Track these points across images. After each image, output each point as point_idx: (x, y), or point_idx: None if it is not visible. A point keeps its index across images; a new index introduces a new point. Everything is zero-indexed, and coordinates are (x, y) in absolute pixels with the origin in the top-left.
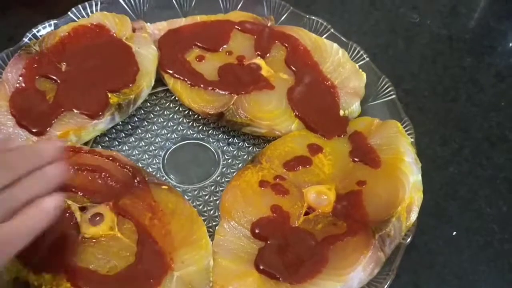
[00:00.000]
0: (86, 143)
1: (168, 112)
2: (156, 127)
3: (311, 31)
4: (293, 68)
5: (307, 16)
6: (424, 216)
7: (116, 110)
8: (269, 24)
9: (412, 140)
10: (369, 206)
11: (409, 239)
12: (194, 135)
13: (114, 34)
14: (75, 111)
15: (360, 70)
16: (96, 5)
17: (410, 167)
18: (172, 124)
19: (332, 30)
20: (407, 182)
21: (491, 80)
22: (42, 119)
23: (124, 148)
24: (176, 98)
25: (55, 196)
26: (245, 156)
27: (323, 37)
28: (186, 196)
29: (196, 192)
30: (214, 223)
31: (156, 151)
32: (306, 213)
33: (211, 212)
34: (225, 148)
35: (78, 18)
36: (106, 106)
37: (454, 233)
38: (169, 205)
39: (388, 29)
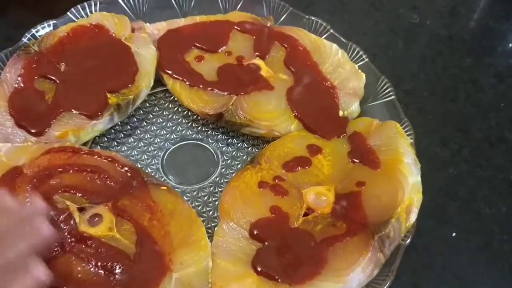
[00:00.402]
0: (85, 144)
1: (167, 113)
2: (155, 128)
3: (310, 31)
4: (292, 69)
5: (307, 17)
6: (423, 217)
7: (115, 111)
8: (268, 25)
9: (412, 141)
10: (368, 207)
11: (408, 240)
12: (193, 136)
13: (113, 34)
14: (74, 111)
15: (360, 71)
16: (95, 5)
17: (409, 168)
18: (171, 124)
19: (331, 30)
20: (406, 183)
21: (490, 80)
22: (41, 120)
23: (123, 149)
24: (175, 99)
25: (43, 266)
26: (244, 157)
27: (322, 37)
28: (185, 197)
29: (195, 193)
30: (213, 224)
31: (155, 152)
32: (306, 214)
33: (210, 213)
34: (224, 148)
35: (77, 18)
36: (105, 107)
37: (454, 234)
38: (168, 206)
39: (387, 30)
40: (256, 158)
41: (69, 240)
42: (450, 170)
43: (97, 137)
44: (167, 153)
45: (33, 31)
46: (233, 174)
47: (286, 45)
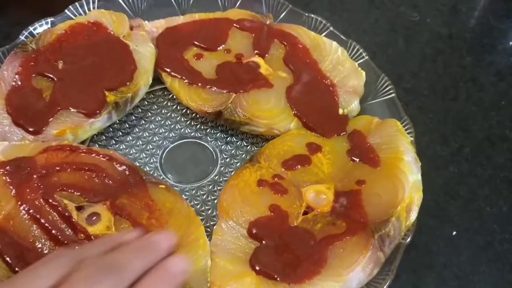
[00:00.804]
0: (83, 142)
1: (165, 111)
2: (153, 126)
3: (310, 29)
4: (292, 67)
5: (306, 14)
6: (424, 215)
7: (113, 109)
8: (267, 22)
9: (412, 139)
10: (368, 205)
11: (408, 239)
12: (192, 134)
13: (112, 32)
14: (72, 109)
15: (360, 69)
16: (94, 2)
17: (409, 167)
18: (169, 122)
19: (331, 28)
20: (406, 182)
21: (491, 79)
22: (38, 118)
23: (121, 147)
24: (174, 97)
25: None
26: (243, 155)
27: (322, 35)
28: (183, 196)
29: (194, 192)
30: (212, 223)
31: (154, 150)
32: (305, 213)
33: (209, 211)
34: (223, 147)
35: (75, 15)
36: (103, 105)
37: (454, 233)
38: (166, 205)
39: (388, 28)
40: (255, 156)
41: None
42: (451, 169)
43: (95, 136)
44: (166, 151)
45: (31, 28)
46: (232, 173)
47: (285, 43)
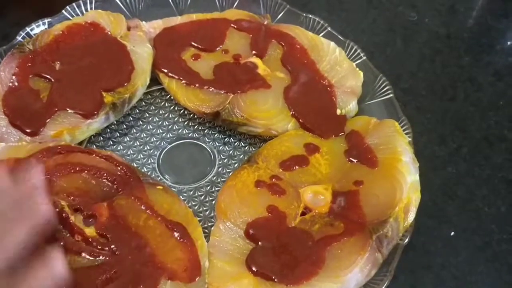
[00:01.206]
0: (80, 143)
1: (163, 111)
2: (151, 127)
3: (308, 29)
4: (290, 67)
5: (304, 15)
6: (421, 216)
7: (110, 110)
8: (265, 23)
9: (410, 139)
10: (366, 206)
11: (406, 240)
12: (190, 135)
13: (109, 33)
14: (69, 110)
15: (357, 69)
16: (91, 3)
17: (407, 167)
18: (167, 123)
19: (329, 28)
20: (404, 182)
21: (489, 79)
22: (35, 119)
23: (118, 148)
24: (172, 97)
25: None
26: (241, 156)
27: (320, 35)
28: (181, 197)
29: (191, 193)
30: (209, 224)
31: (151, 151)
32: (303, 214)
33: (207, 212)
34: (221, 147)
35: (72, 16)
36: (101, 106)
37: (452, 233)
38: (164, 206)
39: (386, 28)
40: (253, 157)
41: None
42: (449, 169)
43: (92, 136)
44: (163, 152)
45: (28, 29)
46: (230, 174)
47: (283, 43)
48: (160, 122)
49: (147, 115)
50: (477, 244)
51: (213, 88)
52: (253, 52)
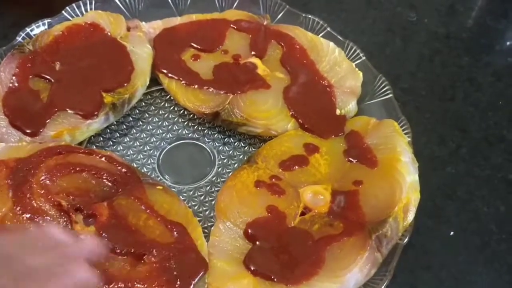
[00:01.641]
0: (80, 143)
1: (163, 112)
2: (151, 127)
3: (307, 30)
4: (289, 68)
5: (303, 15)
6: (421, 216)
7: (110, 110)
8: (265, 23)
9: (409, 139)
10: (365, 206)
11: (406, 240)
12: (190, 135)
13: (109, 33)
14: (69, 111)
15: (357, 69)
16: (91, 3)
17: (407, 167)
18: (167, 123)
19: (328, 28)
20: (404, 182)
21: (488, 79)
22: (35, 119)
23: (118, 148)
24: (171, 98)
25: None
26: (241, 156)
27: (319, 36)
28: (181, 197)
29: (191, 193)
30: (209, 224)
31: (151, 151)
32: (302, 214)
33: (207, 212)
34: (220, 148)
35: (72, 17)
36: (101, 106)
37: (452, 233)
38: (164, 206)
39: (385, 28)
40: (253, 157)
41: None
42: (448, 169)
43: (92, 137)
44: (163, 152)
45: (28, 30)
46: (230, 174)
47: (282, 44)
48: (160, 123)
49: (147, 115)
50: (477, 244)
51: (212, 89)
52: (253, 52)
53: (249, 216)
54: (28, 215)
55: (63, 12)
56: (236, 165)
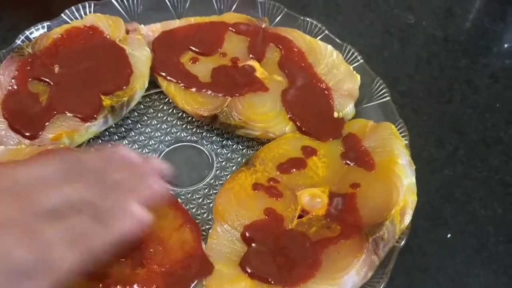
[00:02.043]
0: (79, 146)
1: (161, 115)
2: (149, 130)
3: (305, 32)
4: (287, 70)
5: (302, 18)
6: (418, 218)
7: (109, 113)
8: (263, 26)
9: (407, 142)
10: (363, 209)
11: (403, 242)
12: (188, 138)
13: (108, 36)
14: (68, 114)
15: (355, 72)
16: (90, 6)
17: (404, 170)
18: (165, 126)
19: (326, 31)
20: (401, 185)
21: (486, 81)
22: (35, 122)
23: None
24: (170, 100)
25: (145, 208)
26: (239, 159)
27: (317, 38)
28: (179, 199)
29: (189, 195)
30: (207, 227)
31: (150, 154)
32: (300, 216)
33: (205, 215)
34: (219, 150)
35: (71, 19)
36: (99, 109)
37: (449, 235)
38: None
39: (382, 30)
40: (251, 160)
41: None
42: (446, 171)
43: (91, 139)
44: (162, 155)
45: (27, 33)
46: (228, 176)
47: (280, 47)
48: (158, 125)
49: (146, 118)
50: (474, 246)
51: (211, 91)
52: (251, 55)
53: (247, 218)
54: None
55: (62, 15)
56: (234, 167)
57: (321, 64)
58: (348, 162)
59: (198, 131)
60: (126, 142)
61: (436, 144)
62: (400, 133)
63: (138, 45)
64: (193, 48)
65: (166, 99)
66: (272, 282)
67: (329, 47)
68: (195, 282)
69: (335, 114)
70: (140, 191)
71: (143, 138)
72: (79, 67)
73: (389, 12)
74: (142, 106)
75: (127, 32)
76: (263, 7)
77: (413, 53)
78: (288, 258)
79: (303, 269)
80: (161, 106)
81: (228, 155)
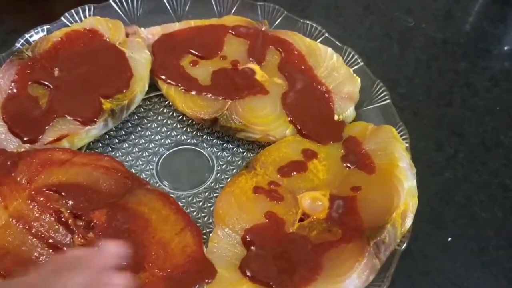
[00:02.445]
0: (79, 149)
1: (162, 118)
2: (149, 133)
3: (305, 35)
4: (287, 73)
5: (301, 21)
6: (419, 222)
7: (109, 116)
8: (263, 29)
9: (407, 145)
10: (363, 212)
11: (404, 246)
12: (188, 141)
13: (107, 39)
14: (68, 117)
15: (355, 75)
16: (89, 10)
17: (405, 173)
18: (166, 129)
19: (326, 34)
20: (401, 188)
21: (486, 84)
22: (34, 126)
23: (117, 154)
24: (170, 103)
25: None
26: (239, 162)
27: (317, 41)
28: (180, 203)
29: (190, 199)
30: (208, 230)
31: (150, 157)
32: (301, 220)
33: (205, 218)
34: (219, 153)
35: (71, 23)
36: (99, 112)
37: (449, 239)
38: (162, 212)
39: (382, 33)
40: (251, 163)
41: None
42: (446, 175)
43: (91, 143)
44: (162, 158)
45: (27, 36)
46: (228, 180)
47: (281, 50)
48: (158, 128)
49: (146, 121)
50: (474, 249)
51: (211, 94)
52: (251, 58)
53: (247, 222)
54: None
55: (62, 18)
56: (234, 171)
57: (321, 67)
58: (348, 165)
59: (198, 134)
60: (126, 145)
61: (436, 147)
62: (401, 136)
63: (138, 48)
64: (193, 51)
65: (166, 102)
66: (274, 286)
67: (329, 49)
68: (197, 286)
69: (336, 117)
70: None
71: (143, 141)
72: (79, 70)
73: (389, 15)
74: (142, 109)
75: (127, 35)
76: (263, 10)
77: (413, 56)
78: (289, 261)
79: (305, 272)
80: (161, 109)
81: (229, 158)
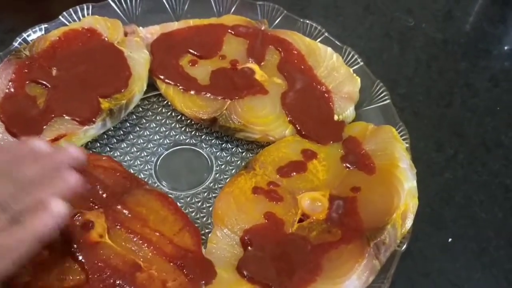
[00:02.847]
0: None
1: (160, 117)
2: (148, 133)
3: (305, 35)
4: (287, 73)
5: (301, 20)
6: (419, 222)
7: (107, 116)
8: (262, 28)
9: (407, 145)
10: (363, 213)
11: (404, 246)
12: (187, 141)
13: (106, 39)
14: (66, 117)
15: (355, 75)
16: (88, 9)
17: (405, 173)
18: (164, 129)
19: (326, 34)
20: (402, 189)
21: (486, 84)
22: (32, 126)
23: (115, 154)
24: (169, 103)
25: (61, 201)
26: (238, 162)
27: (317, 41)
28: (178, 203)
29: (188, 199)
30: (207, 231)
31: (148, 157)
32: (300, 220)
33: (204, 219)
34: (218, 153)
35: (69, 22)
36: (98, 112)
37: (450, 239)
38: (160, 212)
39: (382, 33)
40: (251, 163)
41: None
42: (446, 175)
43: (89, 142)
44: (161, 158)
45: (25, 35)
46: (227, 180)
47: (280, 49)
48: (157, 128)
49: (144, 121)
50: (475, 250)
51: (210, 94)
52: (250, 58)
53: (246, 223)
54: None
55: (60, 17)
56: (233, 171)
57: (321, 67)
58: (348, 165)
59: (197, 134)
60: (125, 145)
61: (436, 147)
62: (401, 136)
63: (137, 48)
64: (192, 51)
65: (165, 102)
66: (273, 287)
67: (329, 49)
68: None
69: (335, 117)
70: (55, 185)
71: (141, 141)
72: (77, 70)
73: (389, 15)
74: (141, 109)
75: (126, 34)
76: (262, 9)
77: (412, 56)
78: (288, 262)
79: (304, 273)
80: (159, 109)
81: (228, 158)
